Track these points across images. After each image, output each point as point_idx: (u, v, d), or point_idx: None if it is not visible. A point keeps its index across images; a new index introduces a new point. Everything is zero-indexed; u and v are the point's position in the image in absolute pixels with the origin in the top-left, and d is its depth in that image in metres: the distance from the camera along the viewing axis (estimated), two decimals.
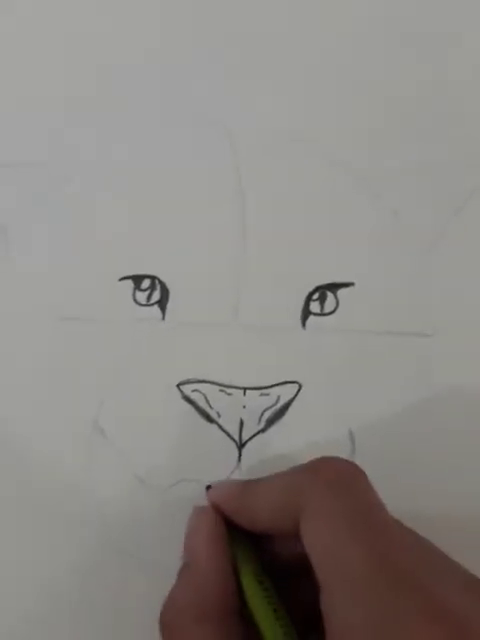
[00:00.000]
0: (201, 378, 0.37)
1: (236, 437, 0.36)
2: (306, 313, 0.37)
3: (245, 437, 0.36)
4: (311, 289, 0.37)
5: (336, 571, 0.27)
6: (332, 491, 0.29)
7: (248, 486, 0.32)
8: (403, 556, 0.27)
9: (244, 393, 0.36)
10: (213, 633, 0.30)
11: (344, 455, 0.36)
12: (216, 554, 0.31)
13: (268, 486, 0.31)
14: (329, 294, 0.37)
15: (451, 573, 0.28)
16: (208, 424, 0.36)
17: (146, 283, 0.37)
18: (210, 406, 0.36)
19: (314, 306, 0.37)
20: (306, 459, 0.36)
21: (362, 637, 0.25)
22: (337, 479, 0.29)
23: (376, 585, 0.26)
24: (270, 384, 0.37)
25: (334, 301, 0.37)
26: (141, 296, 0.37)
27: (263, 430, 0.36)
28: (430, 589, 0.26)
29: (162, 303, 0.37)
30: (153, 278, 0.37)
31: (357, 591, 0.26)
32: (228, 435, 0.36)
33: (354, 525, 0.27)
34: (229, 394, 0.36)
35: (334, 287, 0.37)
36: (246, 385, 0.37)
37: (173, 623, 0.30)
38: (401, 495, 0.36)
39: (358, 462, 0.36)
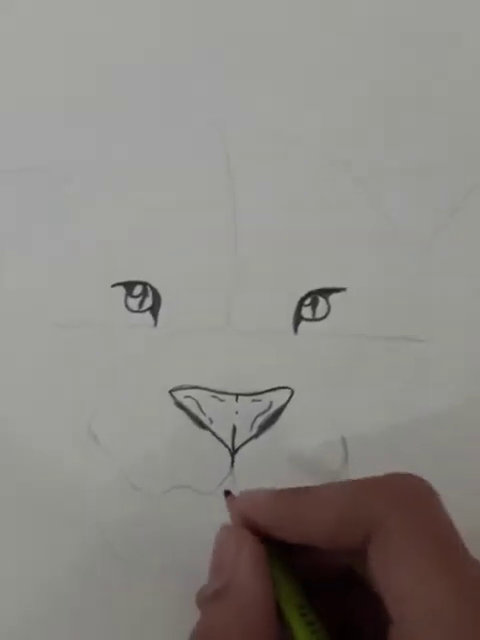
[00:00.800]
0: (193, 384, 0.37)
1: (229, 443, 0.36)
2: (298, 318, 0.37)
3: (238, 443, 0.36)
4: (303, 294, 0.37)
5: (418, 605, 0.25)
6: (410, 512, 0.26)
7: (300, 495, 0.29)
8: None
9: (236, 399, 0.36)
10: None
11: (337, 461, 0.36)
12: (259, 577, 0.28)
13: (331, 496, 0.28)
14: (321, 299, 0.37)
15: None
16: (201, 430, 0.36)
17: (138, 289, 0.37)
18: (203, 412, 0.36)
19: (306, 311, 0.37)
20: (299, 464, 0.36)
21: None
22: (416, 499, 0.27)
23: (464, 625, 0.24)
24: (262, 390, 0.37)
25: (326, 306, 0.37)
26: (133, 302, 0.37)
27: (256, 436, 0.36)
28: None
29: (154, 309, 0.37)
30: (145, 284, 0.37)
31: (442, 630, 0.24)
32: (221, 441, 0.36)
33: (438, 556, 0.25)
34: (222, 400, 0.36)
35: (326, 292, 0.37)
36: (238, 391, 0.36)
37: None
38: None
39: (350, 467, 0.36)
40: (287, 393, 0.37)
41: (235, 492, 0.36)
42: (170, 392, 0.37)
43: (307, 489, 0.29)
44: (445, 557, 0.25)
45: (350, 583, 0.29)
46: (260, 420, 0.36)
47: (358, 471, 0.36)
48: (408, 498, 0.27)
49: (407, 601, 0.25)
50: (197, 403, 0.36)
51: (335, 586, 0.29)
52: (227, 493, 0.31)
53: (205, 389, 0.37)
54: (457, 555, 0.26)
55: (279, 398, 0.37)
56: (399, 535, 0.26)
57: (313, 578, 0.29)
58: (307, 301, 0.37)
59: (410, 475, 0.28)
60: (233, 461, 0.36)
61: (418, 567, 0.25)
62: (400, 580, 0.25)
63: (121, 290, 0.37)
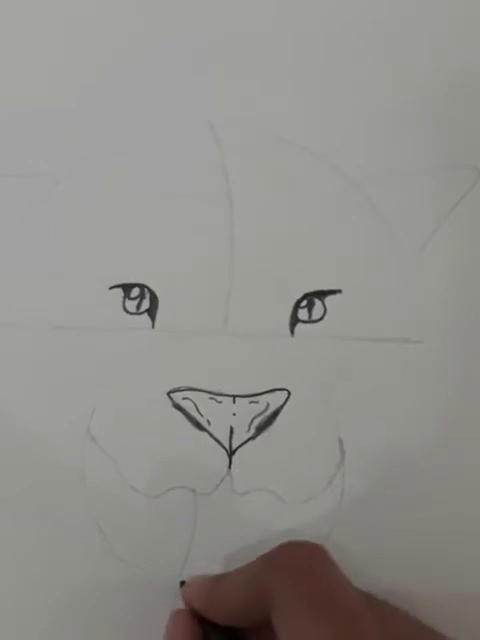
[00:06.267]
0: (191, 386, 0.37)
1: (226, 444, 0.36)
2: (294, 320, 0.37)
3: (235, 444, 0.36)
4: (299, 297, 0.37)
5: None
6: (295, 579, 0.30)
7: (218, 581, 0.33)
8: (367, 634, 0.28)
9: (234, 401, 0.37)
10: None
11: (333, 462, 0.37)
12: None
13: (236, 581, 0.32)
14: (317, 301, 0.37)
15: None
16: (198, 432, 0.37)
17: (135, 292, 0.37)
18: (200, 414, 0.37)
19: (302, 313, 0.37)
20: (296, 466, 0.37)
21: None
22: (299, 565, 0.30)
23: None
24: (259, 391, 0.37)
25: (322, 308, 0.37)
26: (131, 305, 0.37)
27: (253, 437, 0.37)
28: None
29: (152, 312, 0.37)
30: (142, 287, 0.37)
31: None
32: (218, 442, 0.36)
33: (320, 609, 0.28)
34: (219, 402, 0.37)
35: (322, 294, 0.38)
36: (235, 393, 0.37)
37: None
38: (390, 502, 0.37)
39: (347, 468, 0.37)
40: (284, 395, 0.37)
41: (233, 492, 0.37)
42: (168, 394, 0.37)
43: (225, 575, 0.34)
44: (329, 609, 0.28)
45: None
46: (257, 421, 0.37)
47: (355, 472, 0.37)
48: (293, 566, 0.30)
49: None
50: (195, 405, 0.37)
51: None
52: (182, 583, 0.35)
53: (202, 391, 0.37)
54: (341, 605, 0.29)
55: (276, 400, 0.37)
56: (288, 601, 0.29)
57: None
58: (303, 303, 0.38)
59: (295, 543, 0.31)
60: (230, 462, 0.36)
61: (303, 623, 0.28)
62: (291, 637, 0.29)
63: (119, 292, 0.38)
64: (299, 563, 0.30)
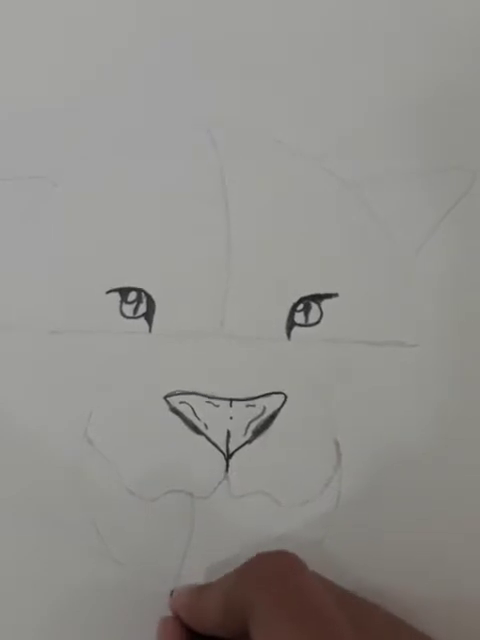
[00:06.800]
0: (188, 390, 0.37)
1: (223, 448, 0.37)
2: (291, 324, 0.37)
3: (232, 448, 0.37)
4: (296, 300, 0.38)
5: None
6: (269, 589, 0.30)
7: (199, 593, 0.34)
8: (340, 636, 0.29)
9: (230, 404, 0.37)
10: None
11: (330, 465, 0.37)
12: None
13: (215, 593, 0.33)
14: (313, 305, 0.38)
15: None
16: (196, 435, 0.37)
17: (132, 296, 0.38)
18: (197, 417, 0.37)
19: (299, 317, 0.38)
20: (292, 469, 0.37)
21: None
22: (273, 576, 0.31)
23: None
24: (256, 395, 0.37)
25: (318, 312, 0.38)
26: (128, 309, 0.38)
27: (250, 441, 0.37)
28: None
29: (148, 315, 0.38)
30: (139, 291, 0.38)
31: None
32: (215, 446, 0.37)
33: (293, 618, 0.29)
34: (216, 405, 0.37)
35: (318, 298, 0.38)
36: (232, 396, 0.37)
37: None
38: (387, 505, 0.37)
39: (344, 471, 0.37)
40: (280, 398, 0.37)
41: (231, 496, 0.37)
42: (165, 397, 0.37)
43: (206, 586, 0.34)
44: (303, 614, 0.29)
45: None
46: (254, 425, 0.37)
47: (351, 475, 0.37)
48: (267, 575, 0.31)
49: None
50: (192, 408, 0.37)
51: None
52: (172, 592, 0.36)
53: (200, 394, 0.37)
54: (315, 610, 0.29)
55: (273, 403, 0.37)
56: (264, 610, 0.29)
57: None
58: (300, 307, 0.38)
59: (269, 553, 0.32)
60: (228, 466, 0.37)
61: (279, 629, 0.29)
62: None
63: (116, 296, 0.38)
64: (273, 573, 0.31)
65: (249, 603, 0.30)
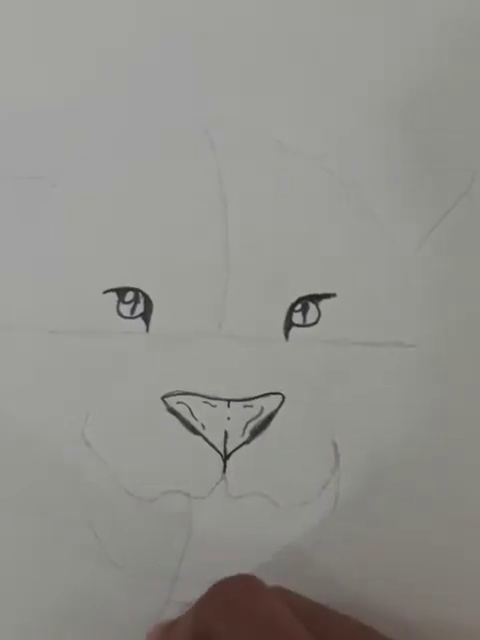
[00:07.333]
0: (185, 390, 0.37)
1: (221, 448, 0.36)
2: (289, 324, 0.37)
3: (229, 449, 0.36)
4: (293, 300, 0.37)
5: None
6: (229, 616, 0.30)
7: (169, 629, 0.34)
8: None
9: (228, 405, 0.37)
10: None
11: (328, 466, 0.37)
12: None
13: (181, 627, 0.33)
14: (311, 305, 0.37)
15: None
16: (193, 436, 0.37)
17: (130, 296, 0.37)
18: (195, 418, 0.37)
19: (297, 317, 0.37)
20: (290, 470, 0.37)
21: None
22: (228, 603, 0.30)
23: None
24: (254, 395, 0.37)
25: (316, 312, 0.37)
26: (125, 309, 0.37)
27: (247, 442, 0.37)
28: None
29: (146, 316, 0.37)
30: (137, 291, 0.38)
31: None
32: (213, 447, 0.36)
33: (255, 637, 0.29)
34: (213, 406, 0.37)
35: (316, 298, 0.37)
36: (230, 397, 0.37)
37: None
38: (385, 505, 0.37)
39: (342, 473, 0.37)
40: (278, 399, 0.37)
41: (228, 496, 0.37)
42: (162, 398, 0.37)
43: (176, 621, 0.34)
44: (263, 634, 0.29)
45: None
46: (251, 426, 0.37)
47: (349, 476, 0.37)
48: (226, 601, 0.31)
49: None
50: (189, 409, 0.37)
51: None
52: None
53: (197, 395, 0.37)
54: (275, 630, 0.29)
55: (270, 404, 0.37)
56: (226, 636, 0.29)
57: None
58: (298, 307, 0.37)
59: (232, 581, 0.31)
60: (225, 466, 0.36)
61: None
62: None
63: (113, 296, 0.38)
64: (227, 602, 0.31)
65: (212, 634, 0.30)
